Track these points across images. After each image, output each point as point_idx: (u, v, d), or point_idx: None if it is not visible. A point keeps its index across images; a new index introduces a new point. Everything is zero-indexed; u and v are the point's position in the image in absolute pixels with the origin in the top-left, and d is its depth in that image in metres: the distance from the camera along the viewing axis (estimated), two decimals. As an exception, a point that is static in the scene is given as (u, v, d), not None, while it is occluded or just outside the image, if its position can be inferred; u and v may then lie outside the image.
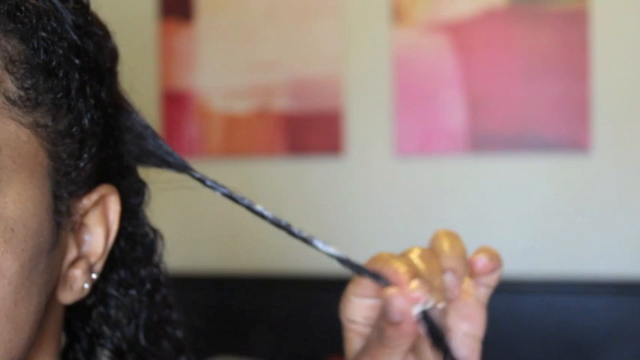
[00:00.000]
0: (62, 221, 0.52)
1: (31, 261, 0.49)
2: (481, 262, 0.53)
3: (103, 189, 0.55)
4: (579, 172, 2.03)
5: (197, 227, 2.20)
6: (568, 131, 2.02)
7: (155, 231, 0.65)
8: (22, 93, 0.49)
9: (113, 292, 0.63)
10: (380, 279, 0.49)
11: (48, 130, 0.50)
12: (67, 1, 0.52)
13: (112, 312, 0.63)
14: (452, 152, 2.07)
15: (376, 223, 2.12)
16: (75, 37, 0.52)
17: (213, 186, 0.54)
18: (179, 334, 0.65)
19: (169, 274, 0.66)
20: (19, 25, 0.49)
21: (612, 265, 2.00)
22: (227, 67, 2.18)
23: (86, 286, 0.55)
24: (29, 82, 0.49)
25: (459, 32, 2.05)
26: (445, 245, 0.51)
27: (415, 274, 0.48)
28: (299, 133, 2.14)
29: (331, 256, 0.52)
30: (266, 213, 0.53)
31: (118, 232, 0.57)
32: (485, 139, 2.05)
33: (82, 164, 0.52)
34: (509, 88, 2.04)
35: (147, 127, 0.57)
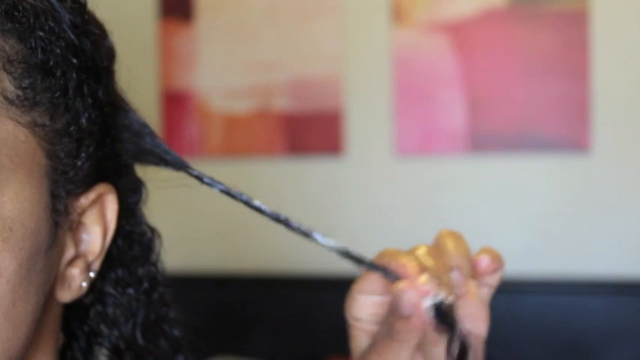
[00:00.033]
0: (60, 220, 0.52)
1: (29, 260, 0.49)
2: (484, 262, 0.53)
3: (101, 188, 0.56)
4: (579, 172, 2.03)
5: (196, 226, 2.19)
6: (568, 131, 2.02)
7: (152, 229, 0.65)
8: (19, 92, 0.49)
9: (111, 290, 0.63)
10: (388, 273, 0.49)
11: (46, 129, 0.50)
12: (64, 1, 0.52)
13: (110, 311, 0.63)
14: (452, 152, 2.07)
15: (376, 223, 2.11)
16: (72, 36, 0.52)
17: (211, 183, 0.55)
18: (176, 332, 0.66)
19: (168, 273, 0.66)
20: (17, 25, 0.49)
21: (612, 265, 2.00)
22: (227, 67, 2.18)
23: (84, 284, 0.55)
24: (27, 81, 0.49)
25: (458, 32, 2.05)
26: (450, 244, 0.52)
27: (423, 268, 0.48)
28: (299, 133, 2.14)
29: (331, 249, 0.52)
30: (264, 208, 0.53)
31: (116, 230, 0.57)
32: (485, 139, 2.05)
33: (79, 163, 0.53)
34: (509, 88, 2.04)
35: (144, 125, 0.57)
